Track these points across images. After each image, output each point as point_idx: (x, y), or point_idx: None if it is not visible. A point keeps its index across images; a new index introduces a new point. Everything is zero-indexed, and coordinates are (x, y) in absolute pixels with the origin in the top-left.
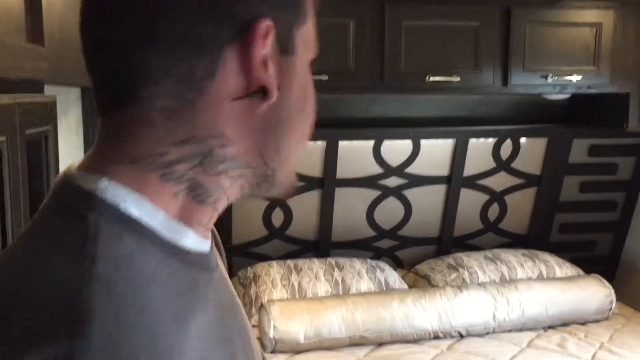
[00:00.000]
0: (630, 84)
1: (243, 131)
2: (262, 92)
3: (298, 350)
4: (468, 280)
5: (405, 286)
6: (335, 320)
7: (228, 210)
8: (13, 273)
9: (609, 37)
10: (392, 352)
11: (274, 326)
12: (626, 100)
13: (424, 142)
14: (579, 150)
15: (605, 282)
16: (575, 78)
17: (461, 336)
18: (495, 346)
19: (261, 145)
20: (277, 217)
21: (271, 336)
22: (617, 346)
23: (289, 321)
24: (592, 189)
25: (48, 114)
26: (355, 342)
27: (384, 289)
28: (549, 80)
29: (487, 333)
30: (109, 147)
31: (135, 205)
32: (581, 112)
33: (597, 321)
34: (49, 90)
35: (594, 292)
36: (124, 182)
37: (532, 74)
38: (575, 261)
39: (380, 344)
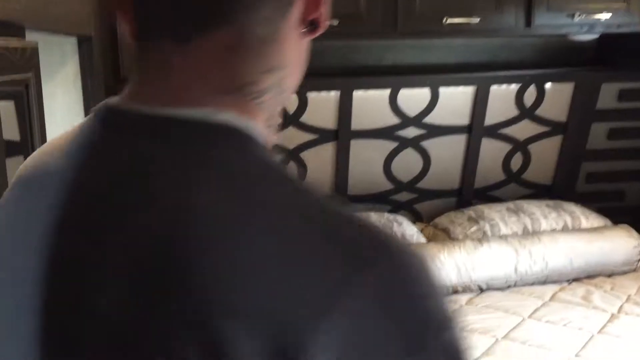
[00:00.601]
0: None
1: (296, 62)
2: (313, 25)
3: None
4: (489, 233)
5: (423, 240)
6: None
7: None
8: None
9: None
10: None
11: None
12: None
13: (442, 90)
14: (607, 95)
15: (634, 232)
16: (604, 16)
17: (481, 290)
18: (517, 300)
19: (298, 81)
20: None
21: None
22: None
23: None
24: (621, 136)
25: (27, 60)
26: None
27: None
28: (576, 19)
29: (509, 287)
30: (202, 77)
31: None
32: (610, 54)
33: (624, 273)
34: (34, 37)
35: (622, 243)
36: (243, 114)
37: (558, 13)
38: (602, 211)
39: None
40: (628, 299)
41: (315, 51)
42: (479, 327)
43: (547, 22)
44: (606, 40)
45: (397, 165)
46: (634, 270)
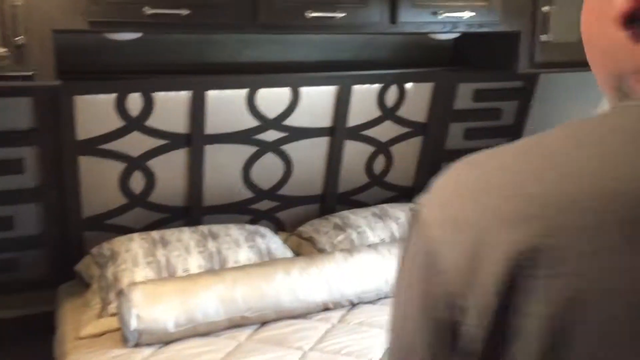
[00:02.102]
0: (521, 22)
1: None
2: None
3: (167, 340)
4: (356, 241)
5: (289, 253)
6: (211, 301)
7: (73, 176)
8: None
9: None
10: (278, 332)
11: (137, 315)
12: (515, 40)
13: (304, 90)
14: (464, 95)
15: None
16: (467, 15)
17: (352, 305)
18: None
19: None
20: (137, 181)
21: (133, 328)
22: None
23: (155, 307)
24: (477, 135)
25: None
26: (236, 324)
27: (266, 258)
28: (439, 17)
29: (379, 299)
30: None
31: None
32: (467, 55)
33: None
34: None
35: None
36: None
37: (422, 10)
38: None
39: (264, 323)
40: None
41: (162, 45)
42: (355, 349)
43: (412, 19)
44: (463, 41)
45: (256, 171)
46: None
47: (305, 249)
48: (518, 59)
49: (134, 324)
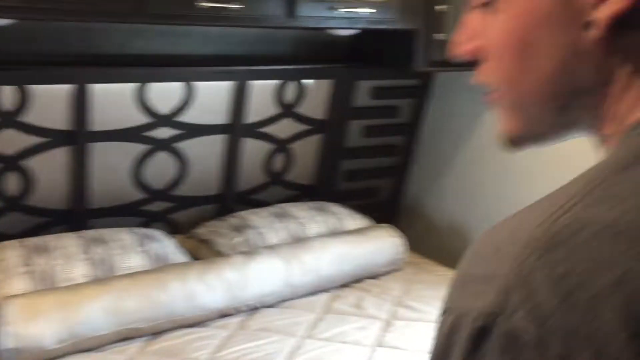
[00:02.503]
0: (417, 20)
1: None
2: None
3: (48, 358)
4: (256, 243)
5: (185, 257)
6: (97, 313)
7: None
8: None
9: None
10: (172, 343)
11: (13, 333)
12: (412, 38)
13: (198, 86)
14: (362, 93)
15: (397, 231)
16: (366, 11)
17: (252, 310)
18: (291, 316)
19: None
20: (13, 182)
21: (8, 346)
22: (412, 299)
23: (33, 323)
24: (375, 133)
25: None
26: (125, 336)
27: (160, 263)
28: (339, 12)
29: (281, 302)
30: None
31: None
32: (365, 51)
33: (389, 273)
34: None
35: (387, 243)
36: None
37: (321, 4)
38: (360, 209)
39: (157, 333)
40: (399, 303)
41: (41, 33)
42: (256, 357)
43: (311, 14)
44: (362, 38)
45: (148, 171)
46: (398, 269)
47: (202, 252)
48: (415, 57)
49: (9, 342)
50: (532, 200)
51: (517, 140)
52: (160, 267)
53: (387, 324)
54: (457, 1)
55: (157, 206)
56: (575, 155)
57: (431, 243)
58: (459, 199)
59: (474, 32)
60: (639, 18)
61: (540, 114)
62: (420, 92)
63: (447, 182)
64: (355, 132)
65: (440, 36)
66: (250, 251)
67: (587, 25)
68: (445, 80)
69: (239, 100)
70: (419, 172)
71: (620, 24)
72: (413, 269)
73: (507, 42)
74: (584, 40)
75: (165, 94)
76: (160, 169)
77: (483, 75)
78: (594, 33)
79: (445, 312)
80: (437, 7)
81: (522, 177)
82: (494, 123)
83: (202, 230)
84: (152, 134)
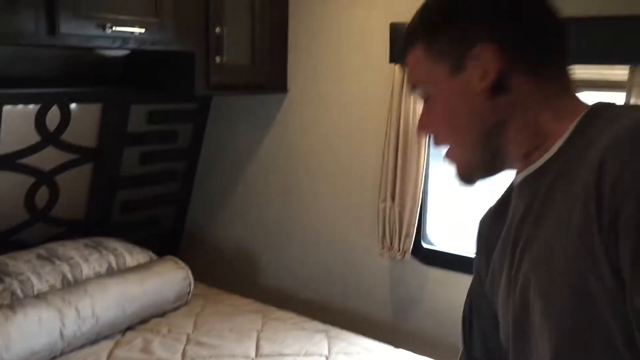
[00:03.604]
0: (195, 42)
1: None
2: None
3: None
4: (20, 293)
5: None
6: None
7: None
8: None
9: None
10: None
11: None
12: (190, 61)
13: None
14: (138, 117)
15: (181, 262)
16: (138, 31)
17: None
18: None
19: None
20: None
21: None
22: (203, 334)
23: None
24: (154, 159)
25: None
26: None
27: None
28: (108, 31)
29: (54, 357)
30: None
31: None
32: (140, 73)
33: (176, 309)
34: None
35: (172, 277)
36: None
37: (87, 21)
38: (140, 241)
39: None
40: (189, 340)
41: None
42: None
43: (76, 32)
44: (137, 58)
45: None
46: (186, 303)
47: None
48: (194, 81)
49: None
50: (318, 219)
51: (468, 177)
52: None
53: None
54: (235, 23)
55: None
56: (353, 176)
57: (218, 271)
58: (243, 224)
59: (426, 118)
60: (505, 85)
61: (476, 153)
62: (199, 116)
63: (230, 207)
64: (131, 160)
65: (218, 59)
66: (12, 303)
67: (478, 94)
68: (221, 103)
69: None
70: (201, 198)
71: (497, 88)
72: (201, 301)
73: (441, 116)
74: (479, 102)
75: None
76: None
77: (438, 140)
78: (481, 97)
79: None
80: (216, 29)
81: (305, 197)
82: (272, 145)
83: None
84: None
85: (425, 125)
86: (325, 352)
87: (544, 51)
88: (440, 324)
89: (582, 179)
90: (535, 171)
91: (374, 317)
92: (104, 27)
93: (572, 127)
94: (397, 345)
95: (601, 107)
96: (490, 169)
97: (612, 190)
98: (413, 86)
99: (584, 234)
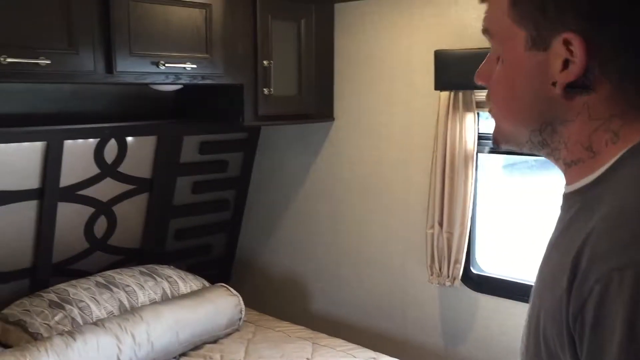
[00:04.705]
0: (244, 75)
1: None
2: None
3: None
4: (80, 320)
5: None
6: None
7: None
8: None
9: (219, 22)
10: None
11: None
12: (239, 93)
13: (3, 148)
14: (190, 148)
15: (232, 290)
16: (189, 66)
17: None
18: None
19: None
20: None
21: None
22: None
23: None
24: (205, 189)
25: None
26: None
27: None
28: (161, 67)
29: None
30: None
31: None
32: (191, 107)
33: (228, 335)
34: None
35: (223, 304)
36: None
37: (141, 59)
38: (193, 269)
39: None
40: None
41: None
42: None
43: (131, 69)
44: (187, 92)
45: None
46: (237, 330)
47: (13, 335)
48: (243, 112)
49: None
50: (366, 246)
51: (499, 142)
52: None
53: None
54: (282, 57)
55: None
56: (401, 202)
57: (268, 297)
58: (292, 250)
59: (487, 70)
60: (586, 84)
61: (517, 131)
62: (248, 146)
63: (280, 234)
64: (183, 189)
65: (266, 90)
66: (72, 330)
67: (554, 83)
68: (271, 133)
69: (53, 161)
70: (251, 226)
71: (574, 86)
72: (252, 327)
73: (502, 82)
74: (551, 92)
75: None
76: None
77: (488, 96)
78: (557, 89)
79: (622, 269)
80: (264, 62)
81: (353, 224)
82: (320, 172)
83: (12, 311)
84: None
85: (484, 78)
86: None
87: (635, 63)
88: (492, 350)
89: (581, 235)
90: (571, 192)
91: (424, 344)
92: (157, 64)
93: (613, 159)
94: None
95: None
96: (528, 150)
97: (581, 281)
98: (485, 29)
99: (559, 303)
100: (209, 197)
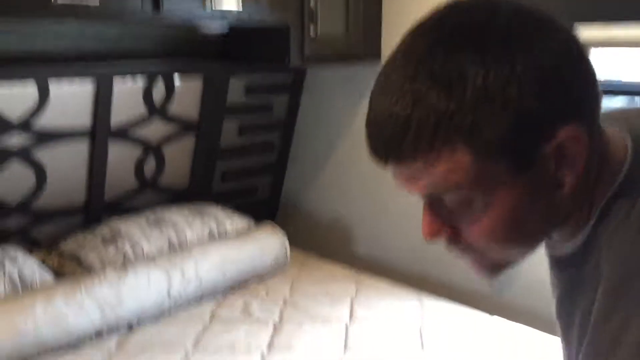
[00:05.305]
0: (289, 16)
1: None
2: None
3: None
4: (131, 254)
5: (48, 275)
6: None
7: None
8: None
9: None
10: None
11: None
12: (285, 34)
13: (54, 87)
14: (236, 90)
15: (278, 229)
16: (235, 7)
17: (130, 327)
18: (175, 330)
19: None
20: None
21: None
22: (299, 298)
23: None
24: (251, 131)
25: None
26: None
27: (19, 287)
28: (207, 8)
29: (162, 316)
30: None
31: None
32: (237, 50)
33: (274, 273)
34: None
35: (269, 243)
36: None
37: None
38: (238, 209)
39: None
40: (285, 303)
41: None
42: None
43: (178, 7)
44: (234, 36)
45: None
46: (283, 269)
47: (69, 268)
48: (289, 53)
49: None
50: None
51: (500, 272)
52: (21, 292)
53: (277, 327)
54: None
55: (12, 221)
56: None
57: (313, 239)
58: (338, 194)
59: (442, 223)
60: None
61: (522, 254)
62: (294, 88)
63: (325, 178)
64: (229, 131)
65: (312, 31)
66: (124, 263)
67: (560, 185)
68: (317, 76)
69: (103, 100)
70: (297, 169)
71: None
72: (297, 267)
73: (500, 225)
74: (559, 196)
75: (14, 96)
76: (14, 181)
77: (467, 247)
78: (567, 189)
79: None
80: (309, 2)
81: None
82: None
83: (68, 245)
84: (1, 141)
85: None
86: (419, 317)
87: (597, 116)
88: (538, 297)
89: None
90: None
91: (468, 287)
92: (204, 5)
93: (596, 214)
94: (492, 313)
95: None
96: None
97: None
98: (430, 195)
99: None
100: (255, 139)
